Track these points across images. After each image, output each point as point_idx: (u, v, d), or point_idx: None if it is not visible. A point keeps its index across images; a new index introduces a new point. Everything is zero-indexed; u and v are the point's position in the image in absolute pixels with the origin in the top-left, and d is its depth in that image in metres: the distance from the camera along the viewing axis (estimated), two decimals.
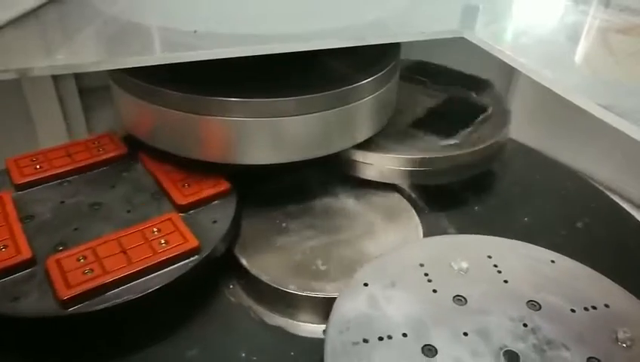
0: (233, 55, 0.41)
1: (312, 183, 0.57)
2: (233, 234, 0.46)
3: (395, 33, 0.50)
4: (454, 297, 0.40)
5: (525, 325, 0.38)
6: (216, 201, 0.48)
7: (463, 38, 0.47)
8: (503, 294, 0.41)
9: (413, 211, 0.54)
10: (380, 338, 0.36)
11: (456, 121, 0.59)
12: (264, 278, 0.45)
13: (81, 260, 0.39)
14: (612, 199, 0.61)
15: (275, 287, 0.45)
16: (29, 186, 0.48)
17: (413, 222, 0.53)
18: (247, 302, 0.46)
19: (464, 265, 0.42)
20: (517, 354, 0.36)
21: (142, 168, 0.51)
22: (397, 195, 0.56)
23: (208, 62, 0.41)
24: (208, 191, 0.47)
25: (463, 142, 0.56)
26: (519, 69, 0.42)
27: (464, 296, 0.40)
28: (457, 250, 0.44)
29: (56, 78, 0.74)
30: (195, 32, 0.45)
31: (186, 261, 0.41)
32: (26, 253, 0.40)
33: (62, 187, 0.49)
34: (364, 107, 0.50)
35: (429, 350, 0.36)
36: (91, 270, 0.38)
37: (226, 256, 0.46)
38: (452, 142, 0.56)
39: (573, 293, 0.41)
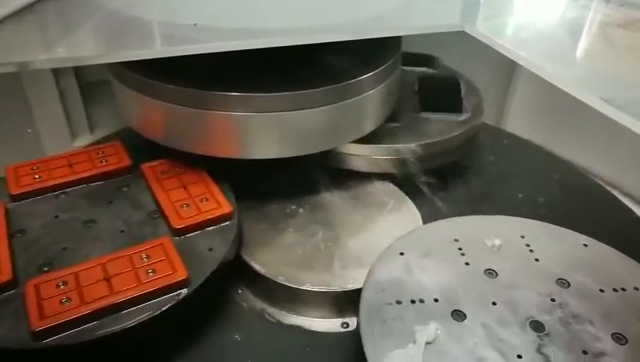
0: (233, 48, 0.41)
1: (305, 179, 0.56)
2: (229, 262, 0.42)
3: (396, 27, 0.51)
4: (485, 270, 0.42)
5: (553, 300, 0.40)
6: (215, 226, 0.44)
7: (462, 35, 0.47)
8: (533, 271, 0.42)
9: (409, 199, 0.55)
10: (412, 301, 0.39)
11: (451, 96, 0.61)
12: (280, 279, 0.45)
13: (61, 286, 0.37)
14: (613, 194, 0.61)
15: (290, 287, 0.44)
16: (25, 197, 0.46)
17: (412, 210, 0.54)
18: (259, 304, 0.46)
19: (497, 242, 0.44)
20: (542, 324, 0.38)
21: (143, 183, 0.49)
22: (390, 185, 0.57)
23: (212, 58, 0.41)
24: (208, 214, 0.44)
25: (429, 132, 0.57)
26: (520, 62, 0.42)
27: (495, 269, 0.42)
28: (491, 228, 0.46)
29: (56, 74, 0.72)
30: (195, 25, 0.45)
31: (173, 294, 0.38)
32: (5, 274, 0.38)
33: (58, 200, 0.47)
34: (374, 97, 0.51)
35: (458, 314, 0.38)
36: (69, 299, 0.36)
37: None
38: (463, 117, 0.58)
39: (603, 275, 0.42)
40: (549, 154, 0.69)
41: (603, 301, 0.40)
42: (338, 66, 0.51)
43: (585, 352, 0.36)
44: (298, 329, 0.44)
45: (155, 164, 0.50)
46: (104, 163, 0.50)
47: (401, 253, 0.43)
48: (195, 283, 0.39)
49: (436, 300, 0.39)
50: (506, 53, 0.43)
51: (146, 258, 0.40)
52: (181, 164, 0.50)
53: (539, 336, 0.37)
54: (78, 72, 0.77)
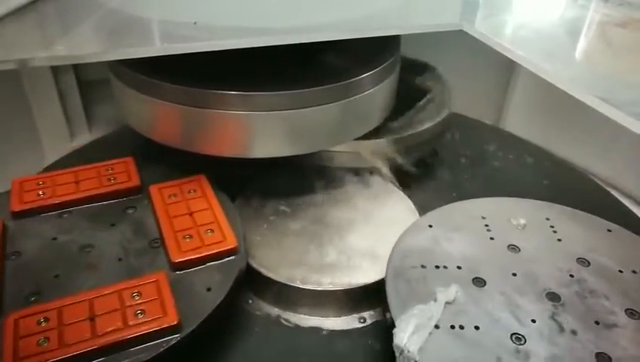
0: (233, 47, 0.41)
1: (295, 179, 0.56)
2: (227, 305, 0.39)
3: (395, 26, 0.50)
4: (509, 246, 0.44)
5: (572, 276, 0.41)
6: (218, 261, 0.41)
7: (461, 35, 0.47)
8: (555, 249, 0.44)
9: (399, 190, 0.56)
10: (437, 267, 0.41)
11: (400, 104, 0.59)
12: (296, 283, 0.44)
13: (42, 323, 0.34)
14: (613, 195, 0.61)
15: (306, 289, 0.44)
16: (26, 215, 0.44)
17: (404, 201, 0.55)
18: (274, 311, 0.45)
19: (522, 221, 0.46)
20: (559, 295, 0.39)
21: (148, 206, 0.45)
22: (378, 178, 0.57)
23: (212, 56, 0.41)
24: (211, 249, 0.40)
25: (405, 124, 0.58)
26: (518, 61, 0.42)
27: (518, 245, 0.44)
28: (518, 210, 0.48)
29: (55, 72, 0.72)
30: (194, 23, 0.45)
31: (161, 340, 0.34)
32: None
33: (60, 219, 0.44)
34: (378, 94, 0.51)
35: (479, 281, 0.40)
36: (47, 339, 0.33)
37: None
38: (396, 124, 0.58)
39: (624, 258, 0.43)
40: (547, 154, 0.69)
41: (621, 280, 0.41)
42: (341, 65, 0.51)
43: (597, 323, 0.38)
44: (317, 329, 0.44)
45: (163, 185, 0.47)
46: (112, 181, 0.47)
47: (430, 226, 0.46)
48: (187, 329, 0.35)
49: (459, 267, 0.41)
50: (504, 53, 0.43)
51: (138, 296, 0.36)
52: (191, 187, 0.47)
53: (554, 306, 0.39)
54: (78, 70, 0.76)
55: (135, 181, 0.47)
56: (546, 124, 0.82)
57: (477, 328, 0.37)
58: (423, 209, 0.51)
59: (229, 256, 0.41)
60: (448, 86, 0.65)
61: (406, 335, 0.35)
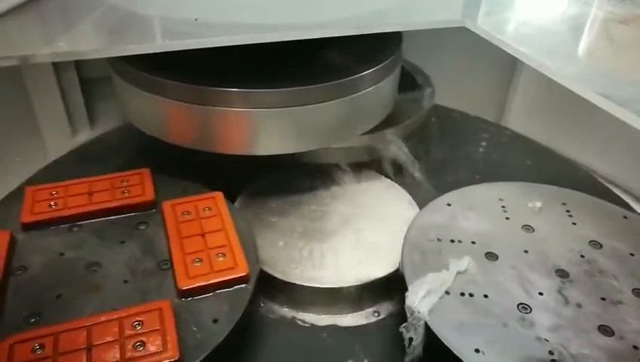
0: (234, 43, 0.41)
1: (293, 178, 0.56)
2: (233, 337, 0.36)
3: (397, 22, 0.51)
4: (523, 226, 0.45)
5: (582, 256, 0.42)
6: (227, 289, 0.38)
7: (464, 33, 0.46)
8: (569, 231, 0.45)
9: (396, 184, 0.56)
10: (452, 241, 0.43)
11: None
12: (310, 284, 0.44)
13: (37, 350, 0.32)
14: (614, 192, 0.61)
15: (320, 288, 0.44)
16: (36, 227, 0.43)
17: (403, 194, 0.55)
18: (287, 313, 0.45)
19: (538, 204, 0.48)
20: (568, 273, 0.41)
21: (161, 223, 0.43)
22: (373, 172, 0.57)
23: (214, 54, 0.41)
24: (220, 276, 0.38)
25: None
26: (520, 58, 0.42)
27: (532, 226, 0.45)
28: (536, 194, 0.49)
29: (57, 70, 0.71)
30: (195, 19, 0.45)
31: None
32: None
33: (70, 233, 0.43)
34: (382, 90, 0.52)
35: (491, 256, 0.42)
36: None
37: None
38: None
39: (637, 242, 0.44)
40: (549, 151, 0.69)
41: (631, 263, 0.42)
42: (344, 62, 0.51)
43: (603, 299, 0.39)
44: (334, 327, 0.44)
45: (177, 202, 0.45)
46: (125, 194, 0.45)
47: (448, 204, 0.47)
48: None
49: (473, 242, 0.43)
50: (506, 49, 0.43)
51: (139, 325, 0.34)
52: (206, 204, 0.44)
53: (562, 281, 0.40)
54: (79, 67, 0.75)
55: (149, 195, 0.45)
56: (547, 123, 0.81)
57: (486, 296, 0.39)
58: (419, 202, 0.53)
59: (239, 284, 0.38)
60: (431, 80, 0.68)
61: (417, 299, 0.38)
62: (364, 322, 0.45)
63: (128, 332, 0.34)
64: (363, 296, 0.45)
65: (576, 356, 0.34)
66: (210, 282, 0.37)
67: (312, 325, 0.44)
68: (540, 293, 0.39)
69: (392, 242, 0.46)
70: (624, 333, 0.37)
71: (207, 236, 0.41)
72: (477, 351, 0.35)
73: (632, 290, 0.40)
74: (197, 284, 0.37)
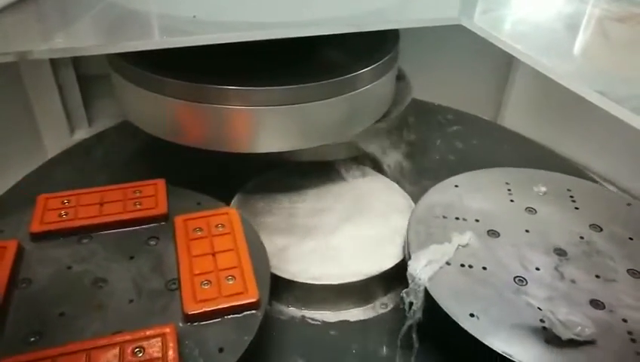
0: (232, 40, 0.41)
1: (288, 176, 0.57)
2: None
3: (394, 20, 0.51)
4: (527, 208, 0.48)
5: (582, 238, 0.44)
6: (236, 315, 0.36)
7: (460, 32, 0.47)
8: (571, 214, 0.47)
9: (389, 179, 0.57)
10: (457, 218, 0.46)
11: None
12: (317, 281, 0.44)
13: None
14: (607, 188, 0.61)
15: (327, 285, 0.44)
16: (45, 237, 0.41)
17: (394, 187, 0.56)
18: (297, 312, 0.45)
19: (543, 188, 0.50)
20: (565, 251, 0.42)
21: (172, 239, 0.42)
22: (367, 169, 0.58)
23: (212, 51, 0.42)
24: (229, 301, 0.36)
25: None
26: (516, 55, 0.42)
27: (535, 208, 0.48)
28: (542, 180, 0.51)
29: (55, 67, 0.71)
30: (194, 17, 0.45)
31: None
32: None
33: (79, 246, 0.41)
34: (381, 87, 0.53)
35: (493, 233, 0.44)
36: None
37: None
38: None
39: (637, 228, 0.45)
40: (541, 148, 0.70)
41: (629, 246, 0.44)
42: (343, 60, 0.52)
43: (597, 276, 0.40)
44: (345, 323, 0.44)
45: (190, 217, 0.43)
46: (137, 206, 0.44)
47: (456, 186, 0.50)
48: None
49: (477, 220, 0.46)
50: (502, 47, 0.43)
51: (140, 351, 0.32)
52: (219, 220, 0.43)
53: (559, 259, 0.42)
54: (77, 65, 0.75)
55: (162, 208, 0.44)
56: (544, 121, 0.82)
57: (484, 268, 0.41)
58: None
59: (248, 311, 0.36)
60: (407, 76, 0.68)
61: (419, 267, 0.40)
62: (373, 315, 0.45)
63: (129, 358, 0.32)
64: (371, 289, 0.46)
65: (565, 322, 0.36)
66: (217, 307, 0.35)
67: (323, 322, 0.44)
68: (537, 268, 0.41)
69: (393, 236, 0.48)
70: (614, 308, 0.38)
71: (217, 256, 0.39)
72: (472, 315, 0.37)
73: (627, 270, 0.41)
74: (204, 309, 0.35)
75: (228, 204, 0.51)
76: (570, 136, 0.76)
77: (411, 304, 0.40)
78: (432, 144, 0.69)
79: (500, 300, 0.38)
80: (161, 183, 0.46)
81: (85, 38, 0.43)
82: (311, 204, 0.53)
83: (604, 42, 0.45)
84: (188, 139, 0.49)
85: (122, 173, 0.60)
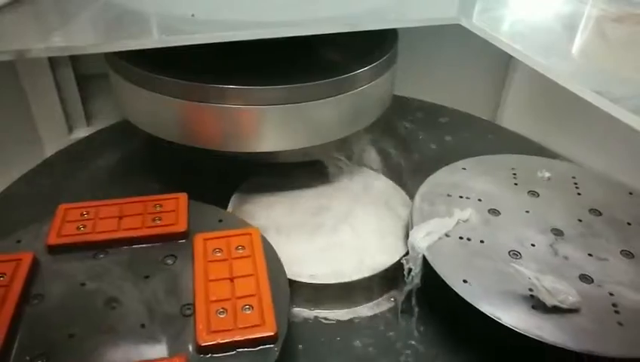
0: (231, 39, 0.41)
1: (283, 174, 0.57)
2: None
3: (392, 19, 0.51)
4: (529, 191, 0.49)
5: (580, 220, 0.46)
6: (251, 349, 0.34)
7: (459, 32, 0.47)
8: (572, 199, 0.48)
9: (381, 175, 0.58)
10: (460, 197, 0.48)
11: None
12: (325, 281, 0.44)
13: None
14: None
15: (338, 284, 0.45)
16: (61, 250, 0.40)
17: (395, 187, 0.56)
18: (308, 313, 0.45)
19: (547, 174, 0.51)
20: (562, 231, 0.44)
21: (190, 258, 0.40)
22: (364, 168, 0.59)
23: (213, 52, 0.42)
24: (244, 333, 0.34)
25: None
26: (514, 55, 0.43)
27: (538, 192, 0.49)
28: (547, 166, 0.52)
29: (53, 66, 0.71)
30: (192, 15, 0.45)
31: None
32: None
33: (94, 261, 0.40)
34: (381, 85, 0.53)
35: (494, 212, 0.46)
36: None
37: None
38: None
39: (636, 214, 0.46)
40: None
41: (626, 230, 0.45)
42: (342, 59, 0.52)
43: (590, 255, 0.42)
44: (358, 319, 0.45)
45: (210, 236, 0.41)
46: (157, 221, 0.42)
47: (463, 168, 0.52)
48: None
49: (480, 200, 0.48)
50: (500, 46, 0.43)
51: None
52: (240, 242, 0.40)
53: (555, 238, 0.44)
54: (75, 64, 0.74)
55: (182, 225, 0.42)
56: (541, 120, 0.82)
57: (482, 241, 0.43)
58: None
59: (264, 345, 0.34)
60: None
61: (419, 237, 0.43)
62: (384, 309, 0.46)
63: None
64: (379, 284, 0.46)
65: (550, 289, 0.37)
66: (232, 339, 0.33)
67: (338, 321, 0.44)
68: (532, 245, 0.43)
69: (395, 231, 0.49)
70: (603, 283, 0.40)
71: (235, 281, 0.37)
72: (464, 281, 0.40)
73: (621, 251, 0.43)
74: (217, 341, 0.33)
75: (226, 203, 0.52)
76: (568, 135, 0.76)
77: (410, 270, 0.43)
78: (428, 141, 0.69)
79: (493, 269, 0.41)
80: (182, 198, 0.45)
81: (83, 37, 0.43)
82: (308, 204, 0.53)
83: (602, 42, 0.45)
84: (186, 139, 0.49)
85: (120, 173, 0.61)
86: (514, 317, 0.37)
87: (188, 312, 0.36)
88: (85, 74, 0.77)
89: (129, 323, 0.35)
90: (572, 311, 0.37)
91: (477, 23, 0.47)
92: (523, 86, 0.87)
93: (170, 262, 0.40)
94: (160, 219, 0.42)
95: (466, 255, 0.42)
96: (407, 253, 0.44)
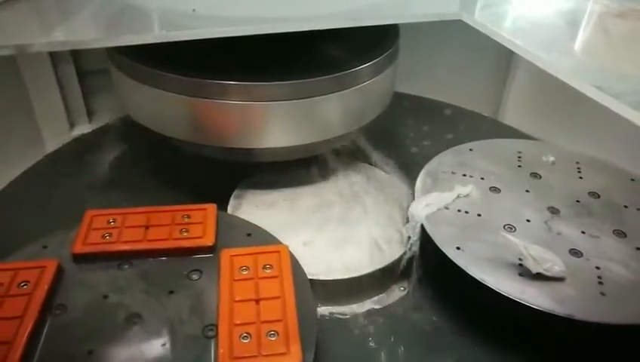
0: (232, 34, 0.41)
1: (284, 171, 0.56)
2: None
3: (393, 15, 0.51)
4: (532, 173, 0.51)
5: (578, 201, 0.48)
6: None
7: (461, 28, 0.47)
8: (573, 182, 0.50)
9: (381, 171, 0.58)
10: (464, 175, 0.50)
11: None
12: (342, 277, 0.44)
13: None
14: None
15: (350, 279, 0.44)
16: (86, 259, 0.39)
17: (398, 182, 0.56)
18: (322, 310, 0.45)
19: (551, 158, 0.53)
20: (558, 210, 0.46)
21: (215, 275, 0.38)
22: (361, 163, 0.59)
23: (215, 47, 0.42)
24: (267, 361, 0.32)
25: None
26: (516, 51, 0.43)
27: (540, 174, 0.51)
28: (553, 152, 0.54)
29: (54, 62, 0.70)
30: (193, 10, 0.45)
31: None
32: None
33: (118, 272, 0.39)
34: (384, 80, 0.53)
35: (495, 189, 0.49)
36: None
37: None
38: None
39: (635, 199, 0.48)
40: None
41: (622, 212, 0.46)
42: (344, 55, 0.52)
43: (583, 232, 0.44)
44: (373, 311, 0.45)
45: (237, 252, 0.39)
46: (184, 234, 0.41)
47: (470, 149, 0.54)
48: None
49: (482, 178, 0.50)
50: (502, 42, 0.43)
51: None
52: (268, 260, 0.39)
53: (551, 216, 0.45)
54: (77, 60, 0.74)
55: (209, 239, 0.40)
56: (543, 117, 0.82)
57: (479, 215, 0.45)
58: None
59: None
60: None
61: (419, 208, 0.45)
62: (396, 298, 0.46)
63: None
64: (390, 276, 0.47)
65: (536, 257, 0.39)
66: None
67: (353, 314, 0.44)
68: (528, 220, 0.45)
69: (399, 223, 0.49)
70: (591, 257, 0.41)
71: (261, 303, 0.35)
72: (458, 248, 0.42)
73: (613, 231, 0.44)
74: None
75: (225, 201, 0.52)
76: (570, 133, 0.76)
77: (409, 238, 0.45)
78: (430, 138, 0.69)
79: (486, 239, 0.43)
80: (211, 209, 0.43)
81: (85, 32, 0.43)
82: (310, 200, 0.53)
83: (604, 38, 0.45)
84: (189, 136, 0.49)
85: (121, 170, 0.61)
86: (500, 282, 0.39)
87: (210, 334, 0.34)
88: (87, 70, 0.77)
89: (149, 341, 0.34)
90: (557, 279, 0.39)
91: (479, 18, 0.47)
92: (525, 84, 0.88)
93: (195, 277, 0.39)
94: (187, 231, 0.41)
95: (461, 225, 0.44)
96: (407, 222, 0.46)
